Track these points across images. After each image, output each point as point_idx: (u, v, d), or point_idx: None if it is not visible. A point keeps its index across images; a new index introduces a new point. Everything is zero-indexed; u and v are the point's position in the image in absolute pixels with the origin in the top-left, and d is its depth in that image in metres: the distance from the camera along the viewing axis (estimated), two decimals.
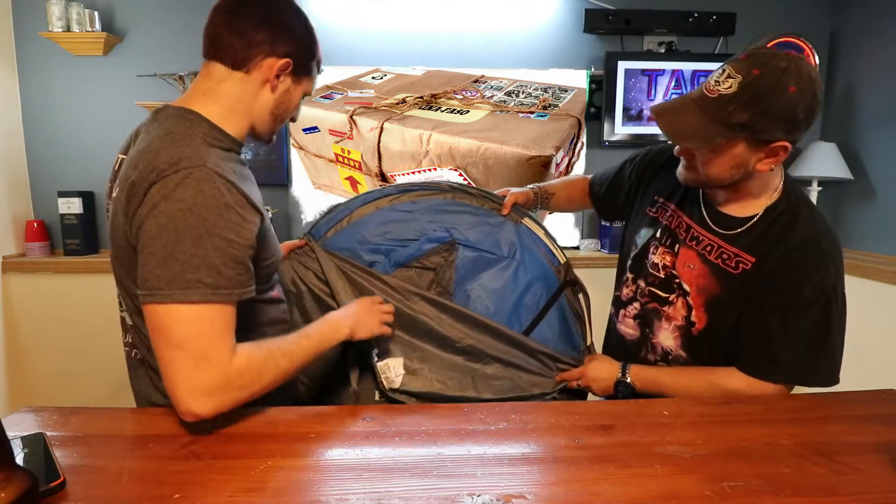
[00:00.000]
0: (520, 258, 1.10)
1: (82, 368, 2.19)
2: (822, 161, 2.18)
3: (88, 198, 2.21)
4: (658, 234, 1.05)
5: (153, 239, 0.69)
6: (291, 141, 2.24)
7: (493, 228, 1.11)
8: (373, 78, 2.23)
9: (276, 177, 2.28)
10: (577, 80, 2.28)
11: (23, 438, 0.68)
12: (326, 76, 2.23)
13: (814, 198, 2.29)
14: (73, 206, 2.16)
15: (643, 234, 1.09)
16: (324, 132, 2.20)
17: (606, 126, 2.31)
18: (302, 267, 1.06)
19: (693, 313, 0.98)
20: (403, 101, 2.16)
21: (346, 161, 2.22)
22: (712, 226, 0.97)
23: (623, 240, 1.17)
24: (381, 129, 2.12)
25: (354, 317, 0.91)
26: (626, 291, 1.11)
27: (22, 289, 2.15)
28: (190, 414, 0.70)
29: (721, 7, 2.26)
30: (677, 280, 1.00)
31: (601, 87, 2.31)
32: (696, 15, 2.23)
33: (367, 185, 2.24)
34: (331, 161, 2.23)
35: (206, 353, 0.70)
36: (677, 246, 1.01)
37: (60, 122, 2.23)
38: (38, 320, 2.17)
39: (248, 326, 0.84)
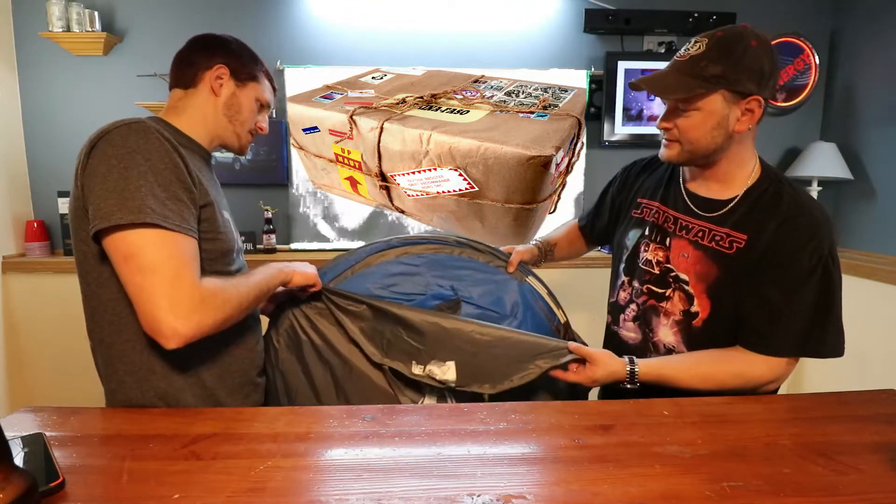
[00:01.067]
0: (521, 317, 1.10)
1: (82, 368, 2.18)
2: (822, 161, 2.18)
3: None
4: (647, 232, 1.06)
5: (104, 178, 0.77)
6: (291, 141, 2.24)
7: (497, 286, 1.11)
8: (373, 78, 2.23)
9: (276, 177, 2.28)
10: (577, 80, 2.28)
11: (23, 438, 0.68)
12: (326, 76, 2.24)
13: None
14: None
15: (632, 236, 1.10)
16: (324, 132, 2.19)
17: (606, 126, 2.31)
18: (305, 317, 1.06)
19: (695, 303, 0.98)
20: (403, 101, 2.16)
21: (346, 161, 2.22)
22: (698, 211, 0.99)
23: (614, 248, 1.19)
24: (381, 129, 2.11)
25: (291, 265, 1.01)
26: (623, 295, 1.11)
27: (22, 289, 2.15)
28: (174, 334, 0.75)
29: (721, 7, 2.26)
30: (672, 273, 1.01)
31: (601, 87, 2.31)
32: (696, 15, 2.23)
33: (367, 185, 2.24)
34: (331, 161, 2.22)
35: (180, 274, 0.76)
36: (668, 239, 1.02)
37: (60, 122, 2.23)
38: (38, 320, 2.17)
39: None
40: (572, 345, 0.99)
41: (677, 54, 0.93)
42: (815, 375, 2.31)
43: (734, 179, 0.97)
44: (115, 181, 0.76)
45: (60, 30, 2.09)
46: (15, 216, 2.20)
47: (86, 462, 0.66)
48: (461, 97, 2.18)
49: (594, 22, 2.25)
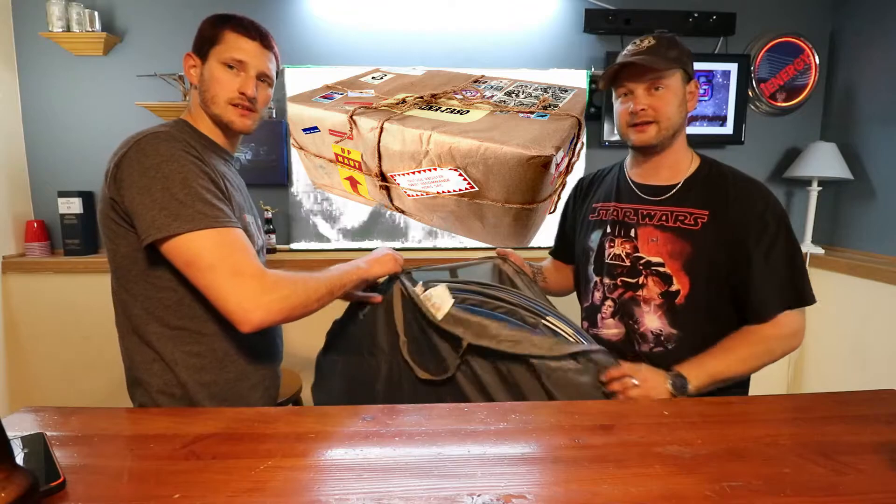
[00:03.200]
0: None
1: (82, 368, 2.19)
2: (822, 161, 2.18)
3: (88, 198, 2.21)
4: (609, 230, 1.13)
5: (147, 191, 0.79)
6: (291, 141, 2.24)
7: None
8: (373, 78, 2.23)
9: (276, 177, 2.28)
10: (577, 80, 2.28)
11: (23, 438, 0.68)
12: (326, 76, 2.24)
13: (814, 198, 2.29)
14: (73, 206, 2.16)
15: (594, 237, 1.16)
16: (324, 132, 2.19)
17: (606, 126, 2.31)
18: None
19: (674, 281, 1.04)
20: (403, 101, 2.16)
21: (346, 161, 2.22)
22: (649, 198, 1.10)
23: (578, 255, 1.23)
24: (381, 129, 2.12)
25: (370, 258, 1.03)
26: (598, 295, 1.14)
27: (22, 289, 2.15)
28: (247, 322, 0.79)
29: (721, 7, 2.26)
30: (643, 261, 1.07)
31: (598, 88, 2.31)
32: (696, 15, 2.23)
33: (367, 185, 2.24)
34: (331, 161, 2.23)
35: (239, 268, 0.79)
36: (633, 230, 1.10)
37: (60, 122, 2.23)
38: (38, 320, 2.17)
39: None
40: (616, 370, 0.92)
41: (632, 50, 1.05)
42: (815, 375, 2.31)
43: (679, 167, 1.09)
44: (161, 192, 0.79)
45: (60, 30, 2.09)
46: (15, 216, 2.20)
47: (86, 462, 0.66)
48: (461, 97, 2.18)
49: (594, 22, 2.24)
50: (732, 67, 2.27)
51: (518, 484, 0.61)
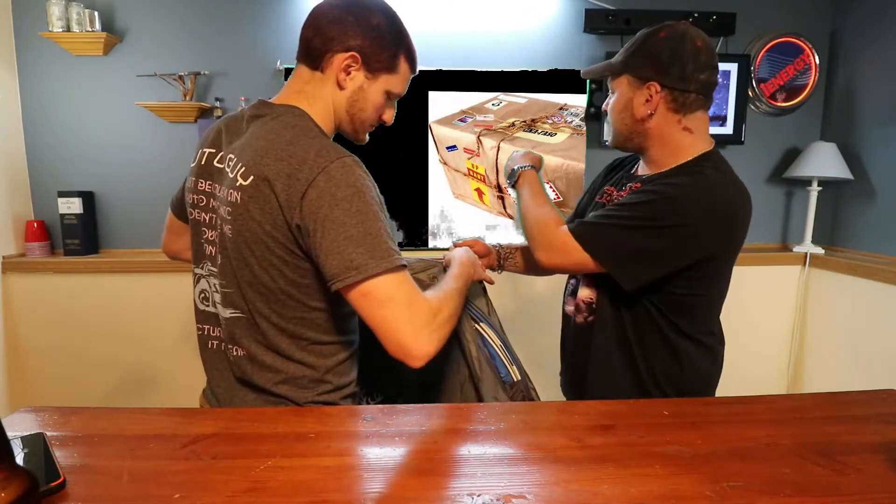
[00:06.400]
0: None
1: (82, 368, 2.19)
2: (822, 161, 2.18)
3: (88, 198, 2.21)
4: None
5: (342, 225, 0.75)
6: (438, 157, 2.41)
7: None
8: (492, 104, 2.42)
9: None
10: (577, 80, 2.28)
11: (23, 438, 0.68)
12: (460, 101, 2.35)
13: (814, 198, 2.29)
14: (73, 206, 2.16)
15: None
16: (460, 150, 2.42)
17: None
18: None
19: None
20: (513, 124, 2.39)
21: (475, 174, 2.46)
22: (631, 186, 1.09)
23: None
24: (499, 147, 2.38)
25: (468, 264, 1.00)
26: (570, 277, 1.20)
27: (22, 289, 2.15)
28: (423, 354, 0.76)
29: (721, 7, 2.25)
30: None
31: (601, 87, 2.31)
32: (696, 15, 2.23)
33: (489, 194, 2.47)
34: (465, 175, 2.47)
35: (412, 300, 0.77)
36: None
37: (60, 122, 2.23)
38: (38, 320, 2.17)
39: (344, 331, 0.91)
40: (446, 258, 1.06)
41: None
42: (815, 375, 2.31)
43: (662, 162, 1.03)
44: (355, 227, 0.76)
45: (60, 30, 2.09)
46: (15, 216, 2.20)
47: (86, 462, 0.66)
48: (551, 122, 2.44)
49: (594, 22, 2.25)
50: (732, 67, 2.27)
51: (518, 484, 0.61)
